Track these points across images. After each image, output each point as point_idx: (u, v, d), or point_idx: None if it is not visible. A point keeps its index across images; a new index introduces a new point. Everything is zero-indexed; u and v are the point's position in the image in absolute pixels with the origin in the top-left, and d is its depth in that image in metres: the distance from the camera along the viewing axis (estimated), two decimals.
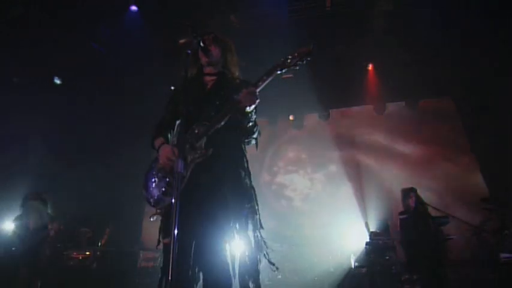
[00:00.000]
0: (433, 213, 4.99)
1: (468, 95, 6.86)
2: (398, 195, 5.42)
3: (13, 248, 4.31)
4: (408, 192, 5.05)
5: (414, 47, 6.31)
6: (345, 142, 8.01)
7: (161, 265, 1.99)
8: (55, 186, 5.61)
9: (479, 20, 5.55)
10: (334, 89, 7.16)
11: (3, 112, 5.51)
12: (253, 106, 1.94)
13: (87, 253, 5.37)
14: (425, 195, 5.32)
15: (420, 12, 5.63)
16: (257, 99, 1.92)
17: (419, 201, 4.98)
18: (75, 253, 5.26)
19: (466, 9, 5.45)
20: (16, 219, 4.53)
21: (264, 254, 2.00)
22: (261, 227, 2.03)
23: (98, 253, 5.47)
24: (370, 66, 7.16)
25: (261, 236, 2.00)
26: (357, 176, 7.63)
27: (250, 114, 1.99)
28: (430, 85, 7.13)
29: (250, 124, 2.04)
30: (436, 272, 4.47)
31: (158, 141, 2.17)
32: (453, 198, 6.37)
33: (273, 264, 2.03)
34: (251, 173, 2.10)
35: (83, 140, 6.52)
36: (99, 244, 5.78)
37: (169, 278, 1.44)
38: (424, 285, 4.58)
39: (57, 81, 6.02)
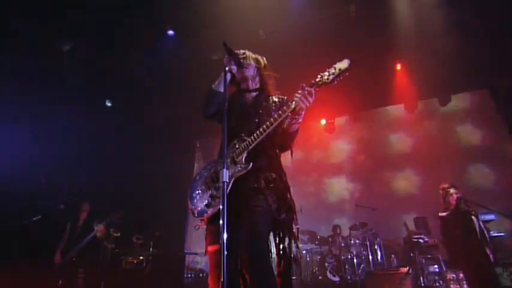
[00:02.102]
0: (477, 209, 4.63)
1: (505, 84, 6.37)
2: (436, 192, 5.11)
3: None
4: (448, 190, 4.70)
5: (442, 42, 5.97)
6: (377, 142, 7.77)
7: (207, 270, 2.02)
8: (110, 199, 5.99)
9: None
10: (364, 91, 6.95)
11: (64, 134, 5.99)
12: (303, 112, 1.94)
13: (141, 257, 5.64)
14: (467, 191, 4.98)
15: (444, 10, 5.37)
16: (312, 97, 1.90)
17: (460, 198, 4.64)
18: (130, 258, 5.60)
19: None
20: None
21: (299, 262, 1.98)
22: (298, 238, 2.00)
23: (150, 257, 5.71)
24: (399, 66, 6.89)
25: (297, 246, 1.97)
26: (392, 175, 7.33)
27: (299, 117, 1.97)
28: (463, 79, 6.71)
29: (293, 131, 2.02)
30: (484, 271, 4.13)
31: None
32: (497, 193, 5.89)
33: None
34: (290, 186, 2.09)
35: (131, 154, 6.88)
36: (150, 249, 6.04)
37: (222, 280, 1.46)
38: (471, 284, 4.26)
39: (108, 104, 6.39)
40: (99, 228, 4.73)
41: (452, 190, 4.64)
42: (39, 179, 5.62)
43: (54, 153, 5.79)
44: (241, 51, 2.30)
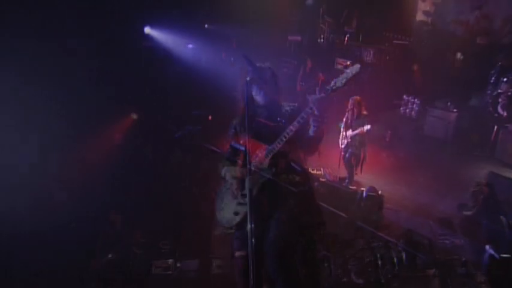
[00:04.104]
0: (506, 208, 4.40)
1: None
2: (462, 191, 4.93)
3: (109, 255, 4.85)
4: (481, 187, 4.48)
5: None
6: (398, 141, 7.58)
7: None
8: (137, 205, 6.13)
9: None
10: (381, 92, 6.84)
11: None
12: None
13: (168, 262, 5.70)
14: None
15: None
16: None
17: (488, 197, 4.41)
18: (157, 263, 5.64)
19: None
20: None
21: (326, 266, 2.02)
22: (325, 241, 2.02)
23: (178, 265, 5.77)
24: (416, 67, 6.74)
25: (327, 249, 1.99)
26: (413, 174, 7.11)
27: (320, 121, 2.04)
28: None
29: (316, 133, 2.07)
30: None
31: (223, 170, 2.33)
32: None
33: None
34: (314, 189, 2.09)
35: (156, 160, 7.05)
36: (177, 254, 6.12)
37: (251, 283, 1.47)
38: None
39: (134, 117, 6.63)
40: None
41: (484, 188, 4.43)
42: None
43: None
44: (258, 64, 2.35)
